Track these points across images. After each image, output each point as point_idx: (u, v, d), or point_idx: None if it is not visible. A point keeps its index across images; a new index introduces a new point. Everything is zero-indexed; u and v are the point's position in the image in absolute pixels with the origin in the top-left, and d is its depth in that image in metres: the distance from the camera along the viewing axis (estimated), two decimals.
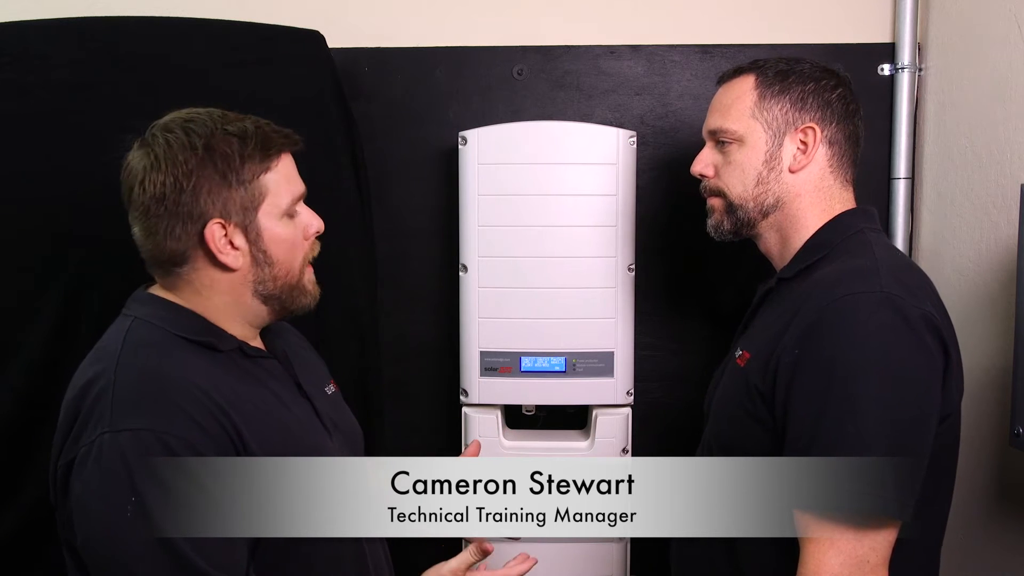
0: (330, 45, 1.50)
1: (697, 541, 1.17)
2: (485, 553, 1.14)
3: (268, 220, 1.01)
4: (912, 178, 1.61)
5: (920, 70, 1.60)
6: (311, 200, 1.07)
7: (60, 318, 1.37)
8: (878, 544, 0.95)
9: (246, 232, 1.00)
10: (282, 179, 1.02)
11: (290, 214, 1.03)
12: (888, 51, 1.61)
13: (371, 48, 1.63)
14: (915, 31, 1.59)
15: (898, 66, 1.60)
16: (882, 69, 1.60)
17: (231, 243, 1.00)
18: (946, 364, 1.00)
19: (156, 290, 1.05)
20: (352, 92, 1.57)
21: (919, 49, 1.60)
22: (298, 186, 1.05)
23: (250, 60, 1.44)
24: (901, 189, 1.61)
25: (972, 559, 1.44)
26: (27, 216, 1.37)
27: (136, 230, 1.01)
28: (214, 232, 0.99)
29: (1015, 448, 1.21)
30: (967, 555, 1.43)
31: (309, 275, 1.08)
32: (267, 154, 1.00)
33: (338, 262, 1.48)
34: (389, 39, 1.64)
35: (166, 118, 1.01)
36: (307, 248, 1.07)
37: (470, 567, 1.13)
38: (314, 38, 1.48)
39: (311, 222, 1.07)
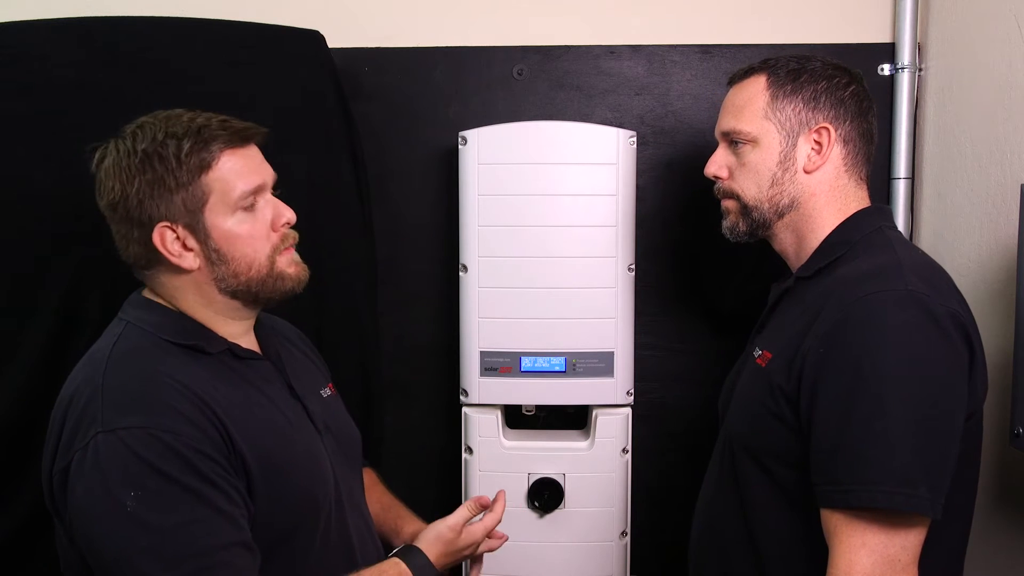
0: (330, 45, 1.50)
1: (718, 534, 1.17)
2: (482, 507, 1.16)
3: (217, 218, 1.00)
4: (912, 178, 1.61)
5: (920, 70, 1.60)
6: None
7: (60, 318, 1.37)
8: (908, 543, 0.95)
9: (195, 232, 1.00)
10: (229, 174, 1.00)
11: (245, 207, 1.01)
12: (888, 51, 1.61)
13: (371, 48, 1.63)
14: (915, 31, 1.59)
15: (898, 66, 1.59)
16: (882, 69, 1.60)
17: (183, 245, 1.00)
18: (971, 362, 1.00)
19: (148, 292, 1.05)
20: (352, 92, 1.57)
21: (919, 49, 1.60)
22: (254, 178, 1.01)
23: (250, 60, 1.44)
24: (901, 189, 1.60)
25: (972, 559, 1.43)
26: (27, 216, 1.37)
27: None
28: (164, 236, 0.99)
29: (1015, 448, 1.21)
30: (967, 555, 1.43)
31: (286, 260, 1.05)
32: (207, 153, 0.98)
33: (338, 262, 1.48)
34: (389, 39, 1.64)
35: (135, 122, 1.02)
36: (276, 239, 1.04)
37: (467, 522, 1.14)
38: (314, 38, 1.48)
39: (280, 213, 1.04)
